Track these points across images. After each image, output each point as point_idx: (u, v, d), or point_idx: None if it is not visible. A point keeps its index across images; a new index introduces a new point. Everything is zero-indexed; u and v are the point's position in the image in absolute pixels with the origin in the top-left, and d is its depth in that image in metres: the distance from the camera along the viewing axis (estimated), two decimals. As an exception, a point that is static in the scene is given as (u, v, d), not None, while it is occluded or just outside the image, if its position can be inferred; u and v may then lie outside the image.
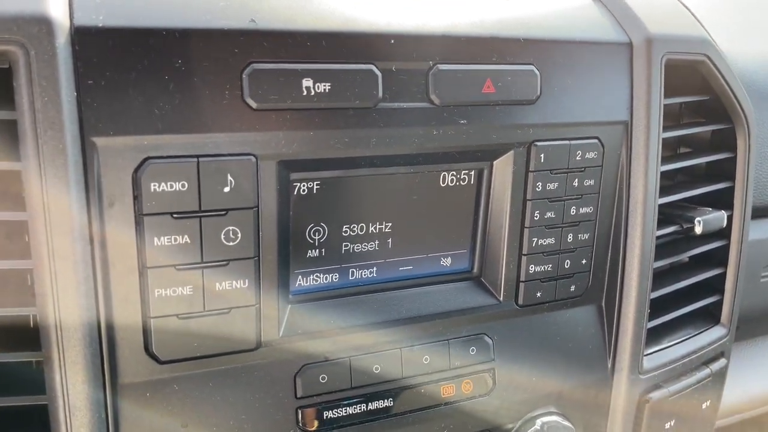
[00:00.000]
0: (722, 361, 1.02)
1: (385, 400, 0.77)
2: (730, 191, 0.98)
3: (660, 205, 0.88)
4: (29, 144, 0.57)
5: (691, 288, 1.01)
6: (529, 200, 0.80)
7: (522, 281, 0.82)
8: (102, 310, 0.62)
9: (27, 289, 0.63)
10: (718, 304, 1.02)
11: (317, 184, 0.72)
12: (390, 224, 0.77)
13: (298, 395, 0.73)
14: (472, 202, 0.80)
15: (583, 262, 0.86)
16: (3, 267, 0.60)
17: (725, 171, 0.98)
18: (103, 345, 0.63)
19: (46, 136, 0.57)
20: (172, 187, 0.62)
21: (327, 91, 0.66)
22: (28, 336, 0.63)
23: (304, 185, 0.71)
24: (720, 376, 1.02)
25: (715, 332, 1.01)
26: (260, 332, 0.70)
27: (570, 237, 0.84)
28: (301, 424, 0.73)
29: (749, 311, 1.20)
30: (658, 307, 0.95)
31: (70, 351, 0.60)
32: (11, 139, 0.59)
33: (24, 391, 0.63)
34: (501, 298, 0.82)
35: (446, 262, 0.82)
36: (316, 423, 0.73)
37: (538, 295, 0.84)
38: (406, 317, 0.78)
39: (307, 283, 0.75)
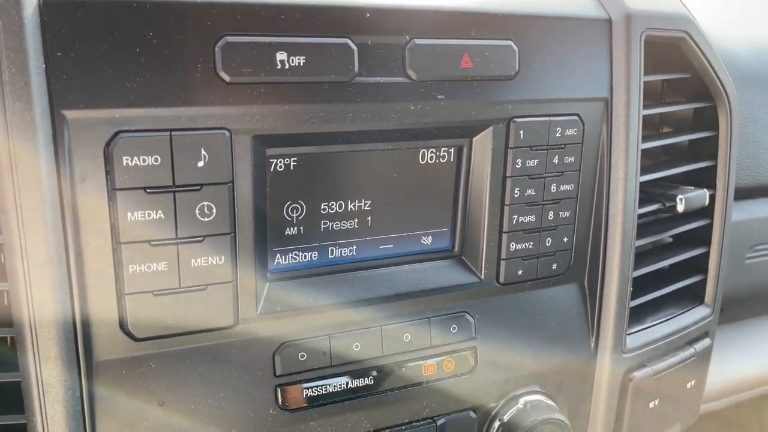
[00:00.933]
0: (707, 341, 1.02)
1: (366, 379, 0.76)
2: (713, 170, 0.98)
3: (642, 184, 0.88)
4: (-3, 116, 0.56)
5: (674, 268, 1.01)
6: (508, 177, 0.79)
7: (503, 259, 0.82)
8: (75, 286, 0.62)
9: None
10: (702, 284, 1.02)
11: (294, 161, 0.71)
12: (369, 202, 0.77)
13: (277, 373, 0.72)
14: (452, 179, 0.80)
15: (565, 240, 0.85)
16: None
17: (707, 150, 0.98)
18: (77, 322, 0.63)
19: (15, 107, 0.56)
20: (144, 161, 0.62)
21: (302, 64, 0.66)
22: (2, 316, 0.63)
23: (280, 161, 0.71)
24: (704, 356, 1.02)
25: (699, 312, 1.01)
26: (237, 309, 0.69)
27: (551, 214, 0.83)
28: (280, 402, 0.72)
29: (734, 293, 1.21)
30: (641, 286, 0.95)
31: (42, 327, 0.60)
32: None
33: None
34: (482, 276, 0.82)
35: (427, 240, 0.81)
36: (295, 401, 0.73)
37: (520, 273, 0.83)
38: (386, 295, 0.77)
39: (285, 261, 0.74)
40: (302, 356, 0.73)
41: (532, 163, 0.80)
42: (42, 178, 0.58)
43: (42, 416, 0.61)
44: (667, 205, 0.92)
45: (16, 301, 0.59)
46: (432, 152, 0.78)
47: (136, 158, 0.61)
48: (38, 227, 0.59)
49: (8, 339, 0.67)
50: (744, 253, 1.18)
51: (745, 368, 1.32)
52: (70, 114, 0.59)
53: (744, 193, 1.15)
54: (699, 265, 1.01)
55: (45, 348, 0.60)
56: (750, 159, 1.16)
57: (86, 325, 0.63)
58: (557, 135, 0.81)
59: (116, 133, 0.61)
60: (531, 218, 0.82)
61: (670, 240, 1.04)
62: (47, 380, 0.61)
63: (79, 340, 0.63)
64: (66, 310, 0.61)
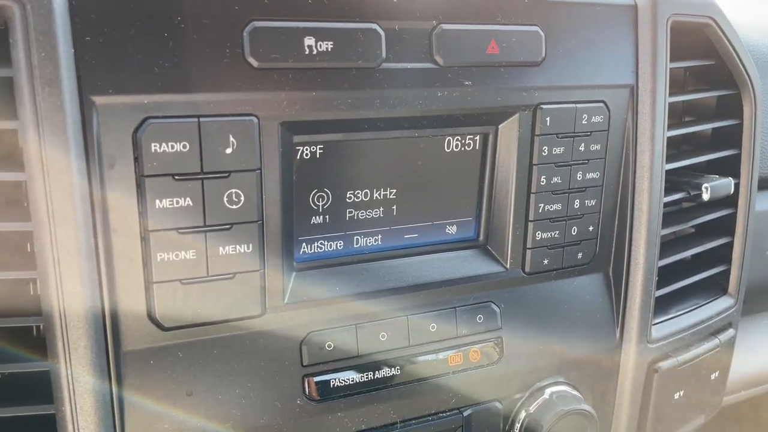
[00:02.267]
0: (730, 332, 1.01)
1: (392, 369, 0.76)
2: (737, 159, 0.97)
3: (667, 172, 0.87)
4: (26, 101, 0.55)
5: (698, 258, 1.01)
6: (535, 165, 0.78)
7: (529, 248, 0.81)
8: (104, 275, 0.61)
9: (27, 254, 0.61)
10: (726, 275, 1.01)
11: (320, 149, 0.70)
12: (395, 191, 0.76)
13: (304, 363, 0.71)
14: (478, 167, 0.79)
15: (590, 228, 0.84)
16: (1, 229, 0.58)
17: (731, 138, 0.97)
18: (106, 311, 0.62)
19: (44, 93, 0.56)
20: (173, 147, 0.61)
21: (329, 50, 0.65)
22: (30, 305, 0.62)
23: (307, 149, 0.70)
24: (728, 347, 1.01)
25: (723, 302, 1.00)
26: (265, 298, 0.69)
27: (577, 203, 0.82)
28: (307, 393, 0.72)
29: (757, 285, 1.19)
30: (665, 277, 0.94)
31: (71, 316, 0.59)
32: (7, 97, 0.57)
33: (26, 359, 0.62)
34: (508, 266, 0.81)
35: (452, 229, 0.80)
36: (322, 391, 0.72)
37: (545, 262, 0.82)
38: (412, 285, 0.76)
39: (311, 250, 0.74)
40: (329, 346, 0.72)
41: (558, 150, 0.79)
42: (71, 164, 0.58)
43: (71, 406, 0.61)
44: (692, 193, 0.91)
45: (46, 290, 0.59)
46: (457, 140, 0.77)
47: (164, 144, 0.61)
48: (67, 215, 0.58)
49: (34, 328, 0.67)
50: (767, 244, 1.17)
51: (765, 360, 1.31)
52: (99, 99, 0.58)
53: (767, 183, 1.14)
54: (722, 255, 1.00)
55: (74, 338, 0.60)
56: (771, 149, 1.15)
57: (114, 314, 0.63)
58: (583, 122, 0.80)
59: (145, 119, 0.60)
60: (557, 207, 0.81)
61: (693, 230, 1.03)
62: (76, 370, 0.60)
63: (107, 329, 0.62)
64: (95, 300, 0.60)
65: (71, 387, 0.60)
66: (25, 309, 0.61)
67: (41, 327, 0.65)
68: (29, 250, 0.63)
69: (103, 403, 0.62)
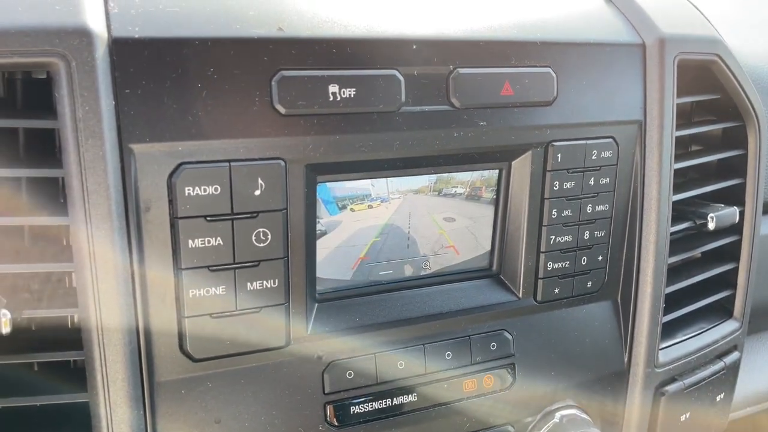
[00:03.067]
0: (735, 354, 1.04)
1: (410, 395, 0.79)
2: (742, 188, 1.00)
3: (673, 202, 0.90)
4: (71, 151, 0.59)
5: (704, 283, 1.03)
6: (546, 199, 0.82)
7: (540, 278, 0.84)
8: (140, 310, 0.65)
9: (68, 291, 0.65)
10: (731, 299, 1.04)
11: (342, 186, 0.74)
12: (412, 224, 0.79)
13: (326, 391, 0.75)
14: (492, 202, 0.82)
15: (599, 258, 0.88)
16: (46, 269, 0.62)
17: (736, 168, 1.00)
18: (141, 344, 0.65)
19: (87, 144, 0.59)
20: (205, 191, 0.65)
21: (352, 96, 0.68)
22: (68, 337, 0.66)
23: (329, 187, 0.73)
24: (733, 369, 1.04)
25: (729, 326, 1.03)
26: (289, 330, 0.72)
27: (587, 234, 0.86)
28: (329, 419, 0.75)
29: (762, 305, 1.22)
30: (672, 302, 0.97)
31: (110, 350, 0.63)
32: (50, 146, 0.61)
33: (66, 390, 0.65)
34: (520, 295, 0.84)
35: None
36: (343, 418, 0.76)
37: (556, 291, 0.86)
38: (428, 314, 0.80)
39: (332, 283, 0.77)
40: (350, 374, 0.76)
41: (569, 185, 0.82)
42: (111, 207, 0.61)
43: (109, 434, 0.64)
44: (698, 222, 0.94)
45: (86, 325, 0.62)
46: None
47: (197, 188, 0.64)
48: (107, 255, 0.62)
49: (71, 362, 0.70)
50: (771, 266, 1.19)
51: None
52: (137, 147, 0.62)
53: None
54: (728, 280, 1.03)
55: (113, 371, 0.63)
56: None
57: (149, 346, 0.66)
58: (593, 157, 0.83)
59: (179, 165, 0.63)
60: (567, 238, 0.84)
61: (699, 256, 1.05)
62: (114, 399, 0.64)
63: (143, 362, 0.66)
64: (132, 334, 0.64)
65: (109, 417, 0.64)
66: (65, 343, 0.65)
67: (77, 361, 0.69)
68: (68, 286, 0.66)
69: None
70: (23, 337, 0.65)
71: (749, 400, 1.33)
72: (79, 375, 0.66)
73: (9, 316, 0.59)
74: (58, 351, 0.64)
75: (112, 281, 0.62)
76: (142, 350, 0.66)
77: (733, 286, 1.03)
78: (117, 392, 0.64)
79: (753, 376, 1.32)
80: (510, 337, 0.84)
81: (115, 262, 0.62)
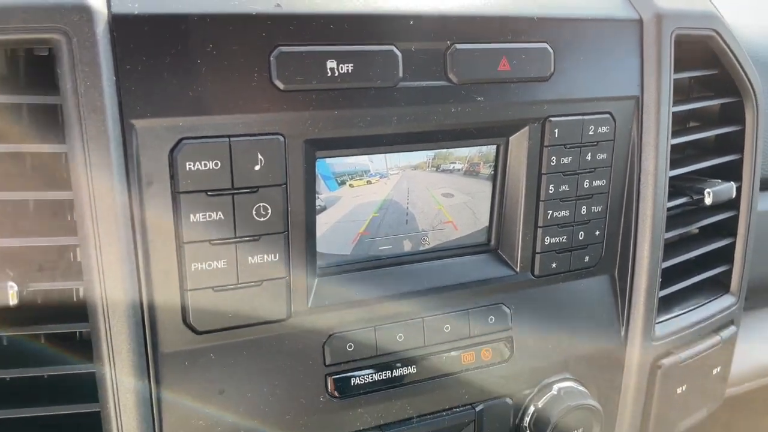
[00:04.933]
0: (732, 329, 1.05)
1: (409, 367, 0.81)
2: (739, 163, 1.01)
3: (670, 178, 0.91)
4: (74, 127, 0.60)
5: (701, 258, 1.04)
6: (544, 174, 0.83)
7: (537, 253, 0.85)
8: (143, 283, 0.66)
9: (73, 265, 0.66)
10: (728, 274, 1.05)
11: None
12: (410, 199, 0.80)
13: (327, 363, 0.76)
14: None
15: (597, 233, 0.89)
16: (51, 243, 0.63)
17: (734, 143, 1.01)
18: (145, 317, 0.67)
19: (89, 119, 0.60)
20: (206, 166, 0.66)
21: (350, 71, 0.69)
22: (73, 311, 0.67)
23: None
24: (730, 344, 1.05)
25: (725, 300, 1.04)
26: (290, 303, 0.73)
27: (584, 209, 0.87)
28: (329, 390, 0.77)
29: (759, 282, 1.23)
30: (669, 276, 0.98)
31: (115, 321, 0.64)
32: (53, 122, 0.62)
33: (73, 361, 0.67)
34: (518, 269, 0.85)
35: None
36: (343, 389, 0.77)
37: (553, 266, 0.87)
38: (427, 288, 0.81)
39: (333, 257, 0.78)
40: (350, 347, 0.77)
41: (566, 160, 0.83)
42: (113, 183, 0.62)
43: (115, 404, 0.66)
44: (695, 198, 0.95)
45: (91, 298, 0.64)
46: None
47: (198, 163, 0.65)
48: (110, 229, 0.63)
49: (77, 333, 0.72)
50: (768, 242, 1.20)
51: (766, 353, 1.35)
52: (138, 123, 0.63)
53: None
54: (725, 256, 1.04)
55: (118, 342, 0.65)
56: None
57: (153, 320, 0.68)
58: (590, 133, 0.84)
59: (180, 140, 0.64)
60: (565, 213, 0.85)
61: (697, 231, 1.06)
62: (120, 370, 0.65)
63: (147, 334, 0.67)
64: (136, 306, 0.65)
65: (115, 387, 0.66)
66: (71, 316, 0.66)
67: (83, 332, 0.70)
68: (72, 260, 0.68)
69: (144, 402, 0.67)
70: (30, 312, 0.66)
71: (747, 376, 1.35)
72: (85, 347, 0.67)
73: (16, 288, 0.61)
74: (63, 323, 0.66)
75: (116, 255, 0.63)
76: (147, 322, 0.67)
77: (730, 261, 1.04)
78: (122, 363, 0.65)
79: (750, 352, 1.34)
80: (508, 310, 0.85)
81: (119, 236, 0.63)
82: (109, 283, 0.63)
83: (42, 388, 0.70)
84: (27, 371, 0.65)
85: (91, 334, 0.65)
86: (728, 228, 1.03)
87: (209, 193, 0.66)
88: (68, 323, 0.66)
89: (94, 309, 0.64)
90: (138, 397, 0.67)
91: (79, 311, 0.66)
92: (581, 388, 0.90)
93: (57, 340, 0.70)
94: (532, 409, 0.88)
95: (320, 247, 0.77)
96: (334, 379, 0.77)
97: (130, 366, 0.66)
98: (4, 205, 0.65)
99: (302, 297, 0.74)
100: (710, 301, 1.03)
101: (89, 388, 0.67)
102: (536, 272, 0.86)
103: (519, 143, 0.81)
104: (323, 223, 0.77)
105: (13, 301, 0.61)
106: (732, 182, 0.97)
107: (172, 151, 0.65)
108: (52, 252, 0.66)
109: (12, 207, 0.66)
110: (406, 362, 0.80)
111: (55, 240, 0.64)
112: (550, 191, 0.83)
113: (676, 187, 0.95)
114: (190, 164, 0.65)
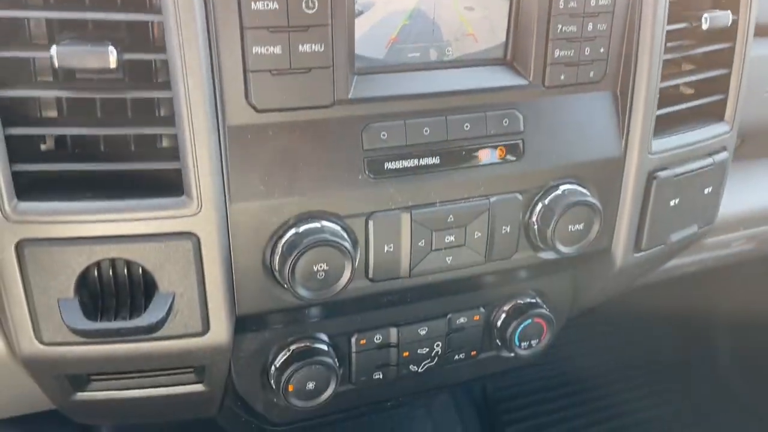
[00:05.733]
0: (724, 154, 1.16)
1: (433, 158, 0.94)
2: (737, -3, 1.10)
3: (670, 2, 1.00)
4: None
5: (697, 90, 1.15)
6: (555, -10, 0.93)
7: (548, 64, 0.97)
8: (215, 60, 0.80)
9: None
10: (722, 104, 1.16)
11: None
12: (436, 12, 0.92)
13: (364, 147, 0.90)
14: (506, -7, 0.94)
15: (601, 50, 1.00)
16: (138, 19, 0.77)
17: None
18: (216, 90, 0.81)
19: None
20: None
21: None
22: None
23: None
24: (721, 167, 1.16)
25: (719, 127, 1.15)
26: (334, 92, 0.86)
27: (590, 26, 0.97)
28: (367, 171, 0.91)
29: (753, 127, 1.34)
30: (668, 103, 1.09)
31: (193, 87, 0.78)
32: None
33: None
34: (531, 79, 0.97)
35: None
36: (378, 171, 0.91)
37: (562, 77, 0.98)
38: (451, 90, 0.93)
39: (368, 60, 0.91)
40: (384, 135, 0.91)
41: (575, -23, 0.94)
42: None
43: (193, 160, 0.80)
44: (693, 24, 1.05)
45: (173, 64, 0.77)
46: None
47: (257, -48, 0.77)
48: (188, 5, 0.76)
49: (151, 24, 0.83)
50: (764, 86, 1.30)
51: (759, 200, 1.47)
52: None
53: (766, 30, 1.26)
54: (720, 87, 1.15)
55: (195, 103, 0.78)
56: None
57: (221, 94, 0.82)
58: (598, -48, 0.94)
59: None
60: (573, 28, 0.96)
61: (694, 67, 1.17)
62: (197, 129, 0.79)
63: (217, 106, 0.81)
64: (209, 77, 0.79)
65: (194, 145, 0.80)
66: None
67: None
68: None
69: (216, 158, 0.82)
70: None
71: (740, 221, 1.48)
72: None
73: (115, 54, 0.74)
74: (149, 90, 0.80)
75: (192, 31, 0.77)
76: (217, 96, 0.81)
77: (725, 91, 1.15)
78: (200, 123, 0.79)
79: (743, 198, 1.46)
80: (520, 116, 0.98)
81: (194, 15, 0.76)
82: (187, 52, 0.77)
83: (126, 182, 0.84)
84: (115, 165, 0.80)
85: (173, 99, 0.79)
86: (724, 60, 1.13)
87: None
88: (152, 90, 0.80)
89: (175, 75, 0.78)
90: (211, 155, 0.81)
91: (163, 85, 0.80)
92: (584, 190, 1.03)
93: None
94: (539, 205, 1.02)
95: (358, 50, 0.90)
96: (368, 161, 0.91)
97: (206, 127, 0.80)
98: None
99: (344, 88, 0.87)
100: (705, 127, 1.14)
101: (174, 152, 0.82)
102: (547, 82, 0.98)
103: (533, -41, 0.92)
104: (360, 26, 0.89)
105: (113, 65, 0.75)
106: (729, 11, 1.06)
107: (236, -59, 0.77)
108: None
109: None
110: (431, 153, 0.94)
111: (142, 16, 0.77)
112: (560, 6, 0.94)
113: (675, 14, 1.04)
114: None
